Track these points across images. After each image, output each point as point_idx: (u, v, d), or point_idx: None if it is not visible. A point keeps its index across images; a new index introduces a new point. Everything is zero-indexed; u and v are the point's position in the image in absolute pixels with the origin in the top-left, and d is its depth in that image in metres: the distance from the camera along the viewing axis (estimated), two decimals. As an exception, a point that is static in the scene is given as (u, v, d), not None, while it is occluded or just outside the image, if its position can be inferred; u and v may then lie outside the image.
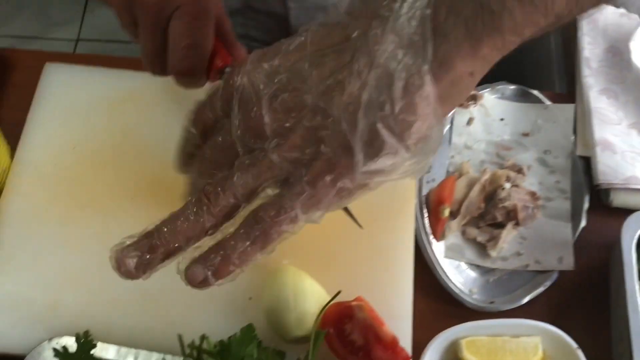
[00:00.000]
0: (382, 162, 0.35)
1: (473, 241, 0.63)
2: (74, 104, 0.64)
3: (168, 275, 0.56)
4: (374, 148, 0.35)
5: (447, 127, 0.68)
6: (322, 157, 0.36)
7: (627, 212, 0.58)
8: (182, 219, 0.40)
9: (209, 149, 0.42)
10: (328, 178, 0.36)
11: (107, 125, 0.63)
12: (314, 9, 0.74)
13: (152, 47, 0.50)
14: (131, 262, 0.41)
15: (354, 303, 0.53)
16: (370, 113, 0.34)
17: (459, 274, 0.62)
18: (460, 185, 0.64)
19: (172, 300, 0.56)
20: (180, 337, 0.50)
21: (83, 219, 0.59)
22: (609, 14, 0.73)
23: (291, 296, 0.52)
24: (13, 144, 0.63)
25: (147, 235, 0.41)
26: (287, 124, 0.37)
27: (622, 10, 0.73)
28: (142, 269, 0.41)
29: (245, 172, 0.38)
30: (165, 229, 0.40)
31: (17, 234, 0.58)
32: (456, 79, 0.34)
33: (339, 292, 0.53)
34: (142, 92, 0.65)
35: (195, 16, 0.48)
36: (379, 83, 0.34)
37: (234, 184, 0.38)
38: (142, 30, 0.50)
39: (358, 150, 0.35)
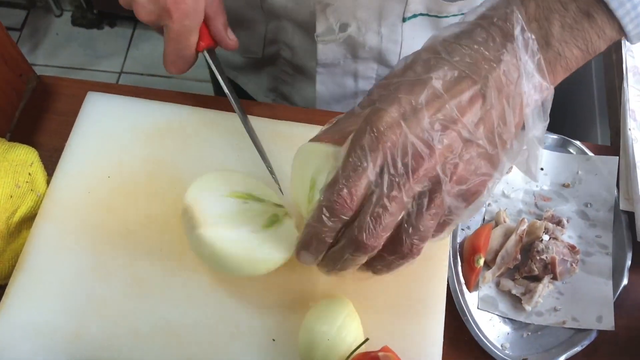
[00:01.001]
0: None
1: (508, 293, 0.61)
2: (112, 133, 0.65)
3: (193, 311, 0.56)
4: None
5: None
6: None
7: (672, 272, 0.56)
8: None
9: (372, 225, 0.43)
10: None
11: (142, 156, 0.63)
12: (341, 74, 0.76)
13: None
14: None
15: (380, 353, 0.51)
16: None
17: (491, 327, 0.59)
18: (496, 235, 0.63)
19: (196, 336, 0.55)
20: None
21: (112, 249, 0.59)
22: (655, 67, 0.71)
23: (335, 328, 0.51)
24: (51, 170, 0.63)
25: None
26: (451, 160, 0.41)
27: (669, 64, 0.71)
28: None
29: (428, 216, 0.42)
30: None
31: (46, 260, 0.58)
32: None
33: (366, 340, 0.51)
34: (179, 124, 0.65)
35: (179, 33, 0.57)
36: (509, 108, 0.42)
37: (423, 228, 0.43)
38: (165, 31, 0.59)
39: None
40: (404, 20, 0.67)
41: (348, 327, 0.51)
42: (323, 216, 0.43)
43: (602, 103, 0.80)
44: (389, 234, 0.43)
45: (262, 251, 0.52)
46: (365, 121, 0.42)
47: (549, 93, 0.43)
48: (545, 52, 0.42)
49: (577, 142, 0.68)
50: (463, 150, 0.41)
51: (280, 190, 0.60)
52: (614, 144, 0.70)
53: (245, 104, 0.69)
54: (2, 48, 0.66)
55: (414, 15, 0.67)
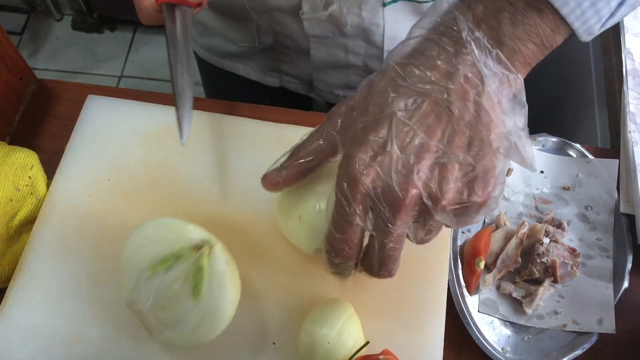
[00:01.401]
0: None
1: (508, 296, 0.61)
2: (112, 136, 0.65)
3: (193, 314, 0.56)
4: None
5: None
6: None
7: (673, 274, 0.56)
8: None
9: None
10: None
11: (143, 159, 0.63)
12: (332, 45, 0.77)
13: None
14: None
15: (381, 357, 0.51)
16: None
17: (492, 330, 0.59)
18: (496, 238, 0.62)
19: (196, 340, 0.55)
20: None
21: (112, 252, 0.58)
22: (655, 70, 0.71)
23: (335, 331, 0.51)
24: (51, 173, 0.63)
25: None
26: (434, 186, 0.41)
27: (669, 67, 0.72)
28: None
29: (427, 232, 0.44)
30: None
31: (46, 264, 0.58)
32: None
33: (367, 343, 0.51)
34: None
35: None
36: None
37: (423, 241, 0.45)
38: None
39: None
40: (384, 4, 0.69)
41: (348, 330, 0.51)
42: (331, 260, 0.46)
43: (602, 106, 0.80)
44: (396, 267, 0.46)
45: (206, 324, 0.50)
46: (341, 169, 0.43)
47: (519, 82, 0.43)
48: (500, 51, 0.41)
49: (577, 145, 0.68)
50: (445, 172, 0.41)
51: (181, 136, 0.56)
52: (614, 147, 0.70)
53: (247, 107, 0.69)
54: (2, 51, 0.66)
55: (394, 0, 0.68)
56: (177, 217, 0.60)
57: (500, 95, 0.42)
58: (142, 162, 0.63)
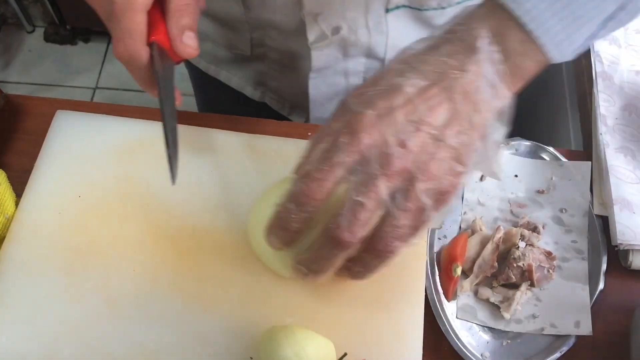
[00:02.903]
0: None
1: (486, 302, 0.61)
2: (82, 152, 0.63)
3: (168, 332, 0.55)
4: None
5: (460, 182, 0.66)
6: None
7: (647, 275, 0.56)
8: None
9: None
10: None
11: (114, 175, 0.62)
12: (332, 74, 0.76)
13: None
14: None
15: (359, 366, 0.50)
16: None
17: (471, 336, 0.59)
18: (472, 243, 0.62)
19: (172, 358, 0.54)
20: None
21: (84, 270, 0.57)
22: (624, 72, 0.72)
23: (291, 357, 0.50)
24: (20, 191, 0.62)
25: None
26: (423, 159, 0.44)
27: (638, 68, 0.72)
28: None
29: (404, 214, 0.44)
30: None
31: (16, 284, 0.57)
32: None
33: (344, 355, 0.51)
34: (151, 142, 0.64)
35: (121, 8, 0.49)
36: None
37: (400, 225, 0.45)
38: None
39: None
40: (387, 11, 0.69)
41: (307, 350, 0.50)
42: (290, 204, 0.46)
43: (574, 109, 0.80)
44: (365, 231, 0.45)
45: None
46: (344, 123, 0.45)
47: (509, 101, 0.46)
48: (505, 64, 0.45)
49: (550, 148, 0.68)
50: (434, 150, 0.44)
51: (172, 179, 0.53)
52: (587, 149, 0.70)
53: (222, 119, 0.68)
54: (-33, 68, 0.64)
55: (397, 7, 0.69)
56: (148, 229, 0.59)
57: (491, 105, 0.46)
58: (114, 177, 0.62)
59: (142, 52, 0.50)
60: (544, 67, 0.47)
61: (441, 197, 0.45)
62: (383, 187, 0.44)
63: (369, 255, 0.47)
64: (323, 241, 0.46)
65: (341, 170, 0.44)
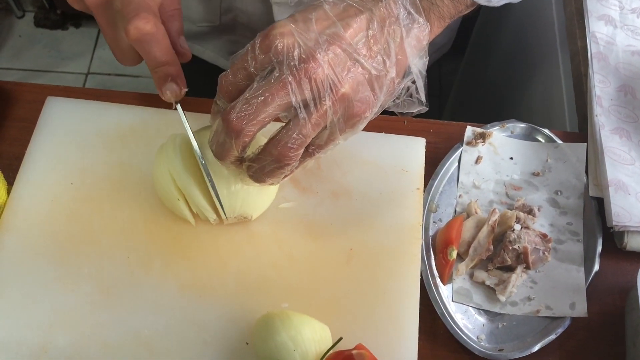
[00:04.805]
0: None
1: (482, 285, 0.61)
2: (74, 139, 0.63)
3: (163, 318, 0.55)
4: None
5: (455, 165, 0.66)
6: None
7: (642, 256, 0.56)
8: None
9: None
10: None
11: (105, 161, 0.62)
12: None
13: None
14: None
15: (354, 352, 0.50)
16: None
17: (466, 319, 0.59)
18: (468, 226, 0.62)
19: (166, 344, 0.54)
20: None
21: (77, 257, 0.57)
22: (620, 52, 0.72)
23: (287, 341, 0.50)
24: (11, 179, 0.62)
25: None
26: (334, 73, 0.45)
27: (633, 49, 0.72)
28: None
29: (309, 124, 0.46)
30: None
31: (9, 272, 0.56)
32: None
33: (340, 339, 0.51)
34: (142, 128, 0.63)
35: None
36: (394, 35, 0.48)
37: (303, 133, 0.47)
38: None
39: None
40: None
41: (302, 334, 0.50)
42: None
43: (569, 90, 0.80)
44: (258, 124, 0.46)
45: None
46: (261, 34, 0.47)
47: (425, 29, 0.49)
48: (420, 1, 0.48)
49: (546, 130, 0.68)
50: (348, 69, 0.46)
51: (224, 212, 0.56)
52: (582, 131, 0.70)
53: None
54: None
55: None
56: (142, 216, 0.59)
57: (408, 33, 0.48)
58: (106, 164, 0.62)
59: (160, 24, 0.53)
60: (469, 9, 0.49)
61: (349, 121, 0.47)
62: (287, 90, 0.45)
63: (265, 157, 0.48)
64: (222, 126, 0.48)
65: (252, 69, 0.46)
